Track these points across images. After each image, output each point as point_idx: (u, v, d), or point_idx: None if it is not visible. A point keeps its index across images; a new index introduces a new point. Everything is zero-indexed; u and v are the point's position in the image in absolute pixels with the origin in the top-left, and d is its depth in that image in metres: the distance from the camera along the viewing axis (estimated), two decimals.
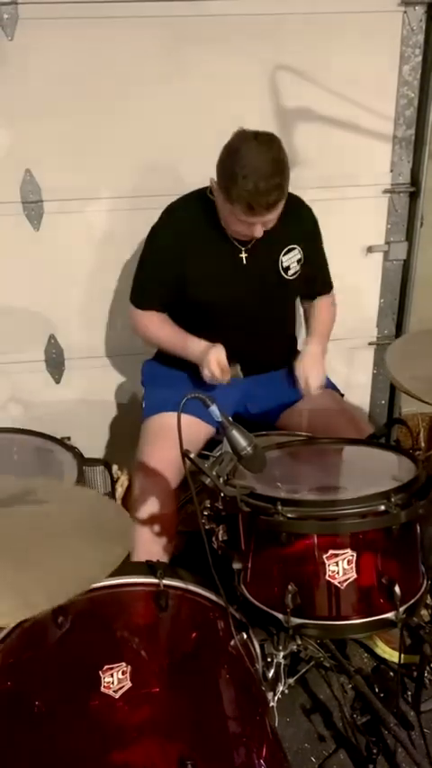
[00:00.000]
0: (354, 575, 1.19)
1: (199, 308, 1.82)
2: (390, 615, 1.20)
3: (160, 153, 2.06)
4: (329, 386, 1.94)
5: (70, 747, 1.05)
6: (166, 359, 1.93)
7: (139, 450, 1.79)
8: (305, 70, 2.05)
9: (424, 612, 1.65)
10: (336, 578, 1.19)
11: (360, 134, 2.16)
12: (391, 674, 1.69)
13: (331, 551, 1.19)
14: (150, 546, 1.62)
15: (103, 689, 1.11)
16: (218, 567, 1.27)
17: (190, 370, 1.82)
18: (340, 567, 1.19)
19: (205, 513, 1.38)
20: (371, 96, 2.13)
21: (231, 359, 1.72)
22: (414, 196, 2.26)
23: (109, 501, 1.41)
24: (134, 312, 1.89)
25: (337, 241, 1.98)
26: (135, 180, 2.09)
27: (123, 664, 1.15)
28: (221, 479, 1.26)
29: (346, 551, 1.19)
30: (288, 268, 1.82)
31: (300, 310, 2.03)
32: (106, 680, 1.12)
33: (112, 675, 1.13)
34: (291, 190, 1.66)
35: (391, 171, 2.24)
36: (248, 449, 1.23)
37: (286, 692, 1.43)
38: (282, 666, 1.40)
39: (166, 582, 1.29)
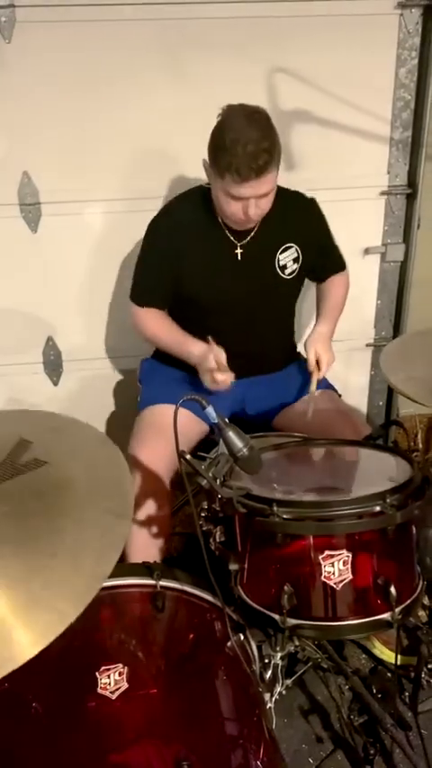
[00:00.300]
0: (349, 575, 1.19)
1: (194, 304, 1.82)
2: (386, 616, 1.20)
3: (158, 155, 2.07)
4: (327, 386, 1.95)
5: (67, 748, 1.05)
6: (164, 358, 1.93)
7: (131, 444, 1.75)
8: (302, 73, 2.06)
9: (422, 614, 1.65)
10: (331, 579, 1.19)
11: (357, 136, 2.17)
12: (389, 674, 1.69)
13: (327, 552, 1.19)
14: (145, 545, 1.61)
15: (99, 690, 1.11)
16: (215, 569, 1.27)
17: (188, 369, 1.81)
18: (336, 568, 1.19)
19: (203, 514, 1.38)
20: (368, 99, 2.14)
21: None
22: (411, 198, 2.27)
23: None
24: (134, 309, 1.89)
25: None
26: (132, 182, 2.10)
27: (120, 665, 1.14)
28: (218, 481, 1.27)
29: (341, 552, 1.19)
30: (285, 267, 1.82)
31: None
32: (103, 681, 1.12)
33: (108, 676, 1.13)
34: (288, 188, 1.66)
35: (388, 173, 2.25)
36: (244, 450, 1.23)
37: (284, 693, 1.44)
38: (279, 668, 1.41)
39: (162, 583, 1.29)
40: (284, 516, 1.19)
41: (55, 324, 2.24)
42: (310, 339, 1.85)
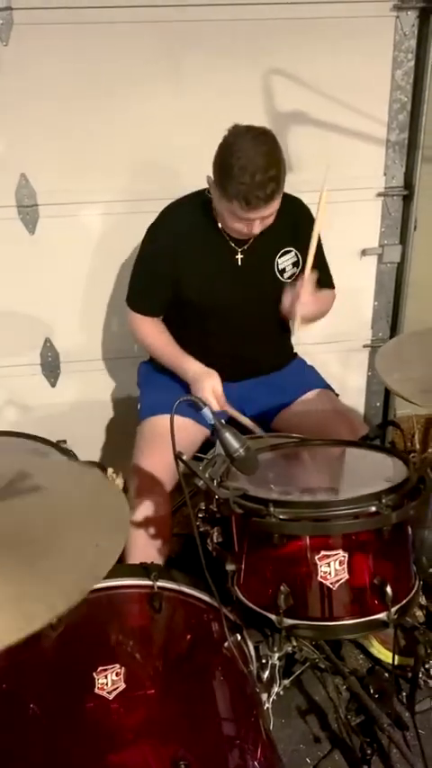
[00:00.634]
0: (345, 575, 1.20)
1: (193, 307, 1.82)
2: (382, 616, 1.20)
3: (156, 157, 2.08)
4: (325, 386, 1.95)
5: (65, 749, 1.06)
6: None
7: (134, 454, 1.79)
8: (299, 75, 2.07)
9: (419, 614, 1.65)
10: (328, 579, 1.20)
11: (354, 138, 2.18)
12: (386, 674, 1.70)
13: (323, 552, 1.19)
14: (145, 548, 1.62)
15: (97, 690, 1.12)
16: (213, 569, 1.27)
17: None
18: (332, 568, 1.19)
19: (200, 515, 1.38)
20: (364, 100, 2.15)
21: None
22: (407, 199, 2.28)
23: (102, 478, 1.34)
24: (131, 315, 1.90)
25: (332, 244, 1.99)
26: (130, 184, 2.10)
27: (117, 665, 1.15)
28: (214, 481, 1.27)
29: (337, 552, 1.19)
30: (284, 270, 1.83)
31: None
32: (100, 681, 1.12)
33: (106, 677, 1.13)
34: (286, 192, 1.67)
35: (385, 174, 2.26)
36: (241, 451, 1.24)
37: (281, 693, 1.43)
38: (277, 668, 1.41)
39: (160, 584, 1.29)
40: (281, 517, 1.19)
41: (53, 325, 2.25)
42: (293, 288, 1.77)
